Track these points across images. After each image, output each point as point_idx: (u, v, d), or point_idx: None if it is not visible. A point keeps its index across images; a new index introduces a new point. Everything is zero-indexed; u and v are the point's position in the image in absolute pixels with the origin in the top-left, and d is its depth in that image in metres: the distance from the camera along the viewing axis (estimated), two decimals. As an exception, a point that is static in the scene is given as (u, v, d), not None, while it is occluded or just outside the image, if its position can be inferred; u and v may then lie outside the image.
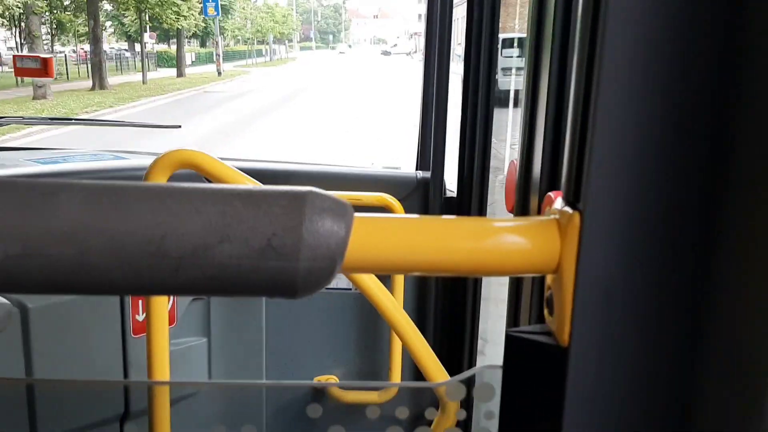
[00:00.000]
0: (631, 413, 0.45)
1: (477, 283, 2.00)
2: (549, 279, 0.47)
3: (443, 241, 0.45)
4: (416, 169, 2.26)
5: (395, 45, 53.28)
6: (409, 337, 1.28)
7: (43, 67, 2.58)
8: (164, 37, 37.96)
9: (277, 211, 0.40)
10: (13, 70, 2.72)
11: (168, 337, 1.50)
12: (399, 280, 2.01)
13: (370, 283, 1.28)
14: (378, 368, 2.24)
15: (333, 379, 2.26)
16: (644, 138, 0.42)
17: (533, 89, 1.32)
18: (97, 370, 1.91)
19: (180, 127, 2.55)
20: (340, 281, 2.22)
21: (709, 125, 0.42)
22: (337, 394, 2.01)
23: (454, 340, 2.09)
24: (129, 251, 0.39)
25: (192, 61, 33.79)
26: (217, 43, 30.92)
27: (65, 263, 0.39)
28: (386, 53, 50.80)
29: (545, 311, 0.47)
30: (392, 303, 1.30)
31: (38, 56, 2.70)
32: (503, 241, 0.45)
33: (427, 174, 2.12)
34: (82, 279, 0.40)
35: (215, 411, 2.12)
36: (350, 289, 2.19)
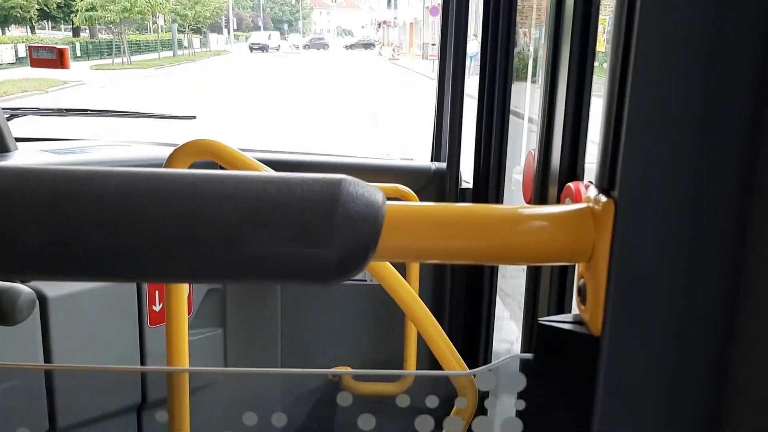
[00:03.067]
0: (664, 403, 0.45)
1: (493, 272, 1.99)
2: (581, 267, 0.46)
3: (476, 230, 0.44)
4: (431, 160, 2.25)
5: (270, 36, 51.83)
6: (425, 326, 1.27)
7: (59, 58, 2.60)
8: (17, 19, 24.75)
9: (311, 198, 0.40)
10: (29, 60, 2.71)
11: (187, 327, 1.50)
12: (415, 270, 2.01)
13: (386, 272, 1.27)
14: (393, 359, 2.24)
15: (348, 369, 2.26)
16: (680, 125, 0.41)
17: (552, 79, 1.30)
18: (114, 361, 1.92)
19: (195, 117, 2.55)
20: None
21: (747, 112, 0.41)
22: (352, 385, 2.01)
23: (471, 330, 2.09)
24: (163, 238, 0.39)
25: (18, 58, 23.08)
26: None
27: (100, 250, 0.39)
28: (263, 48, 48.95)
29: (577, 300, 0.47)
30: (409, 292, 1.29)
31: (54, 47, 2.71)
32: (537, 230, 0.45)
33: (443, 165, 2.11)
34: (116, 266, 0.40)
35: (230, 399, 2.13)
36: (365, 280, 2.19)
